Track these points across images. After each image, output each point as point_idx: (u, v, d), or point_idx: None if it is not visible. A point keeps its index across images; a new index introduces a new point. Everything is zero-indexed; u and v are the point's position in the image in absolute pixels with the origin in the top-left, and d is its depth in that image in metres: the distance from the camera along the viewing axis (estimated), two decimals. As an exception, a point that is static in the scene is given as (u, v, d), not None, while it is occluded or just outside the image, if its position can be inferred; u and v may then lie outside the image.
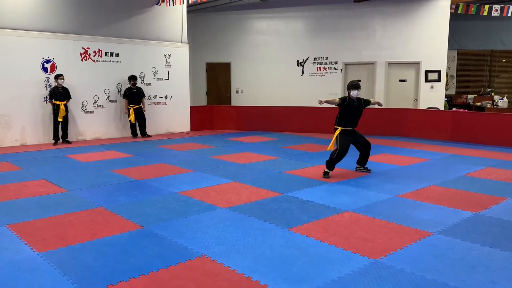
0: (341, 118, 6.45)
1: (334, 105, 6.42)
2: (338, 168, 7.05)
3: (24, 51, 9.57)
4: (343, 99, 6.36)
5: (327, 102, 6.26)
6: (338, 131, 6.42)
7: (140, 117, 11.18)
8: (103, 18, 10.80)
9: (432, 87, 12.79)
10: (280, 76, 14.08)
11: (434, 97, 12.74)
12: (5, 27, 9.33)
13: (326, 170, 6.48)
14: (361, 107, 6.49)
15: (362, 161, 6.86)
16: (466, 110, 12.34)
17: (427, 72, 12.77)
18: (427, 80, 12.81)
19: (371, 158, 7.99)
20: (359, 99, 6.45)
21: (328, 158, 6.52)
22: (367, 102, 6.57)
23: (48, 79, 9.94)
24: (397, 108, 11.91)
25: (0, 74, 9.30)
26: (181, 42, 12.25)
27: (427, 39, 12.62)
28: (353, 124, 6.50)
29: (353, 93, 6.34)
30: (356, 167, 6.93)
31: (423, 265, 3.35)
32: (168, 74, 12.09)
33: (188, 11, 12.89)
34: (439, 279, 3.12)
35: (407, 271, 3.24)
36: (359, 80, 13.43)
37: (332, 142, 6.46)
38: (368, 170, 6.84)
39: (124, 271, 3.24)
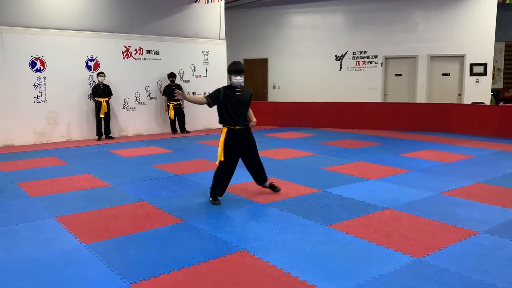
0: (221, 115, 4.89)
1: (204, 105, 4.86)
2: (377, 164, 6.91)
3: (70, 50, 9.95)
4: (216, 93, 4.82)
5: (190, 100, 4.85)
6: (224, 132, 4.87)
7: (180, 113, 11.39)
8: (144, 16, 11.05)
9: (477, 81, 12.28)
10: (318, 71, 13.94)
11: (479, 91, 12.23)
12: (54, 27, 9.72)
13: (210, 199, 4.97)
14: (246, 98, 4.99)
15: (259, 178, 5.26)
16: (515, 105, 11.78)
17: (472, 65, 12.27)
18: (472, 74, 12.31)
19: (413, 154, 7.79)
20: (245, 90, 4.97)
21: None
22: (250, 99, 5.08)
23: (91, 77, 10.30)
24: (440, 103, 11.52)
25: (49, 73, 9.71)
26: (219, 39, 12.36)
27: (472, 31, 12.11)
28: (241, 122, 4.92)
29: (235, 79, 4.84)
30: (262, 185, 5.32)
31: (469, 265, 3.23)
32: (206, 71, 12.23)
33: (225, 8, 12.98)
34: (487, 279, 3.00)
35: (452, 270, 3.13)
36: (400, 75, 13.11)
37: (219, 150, 4.88)
38: (276, 189, 5.27)
39: (165, 263, 3.32)
